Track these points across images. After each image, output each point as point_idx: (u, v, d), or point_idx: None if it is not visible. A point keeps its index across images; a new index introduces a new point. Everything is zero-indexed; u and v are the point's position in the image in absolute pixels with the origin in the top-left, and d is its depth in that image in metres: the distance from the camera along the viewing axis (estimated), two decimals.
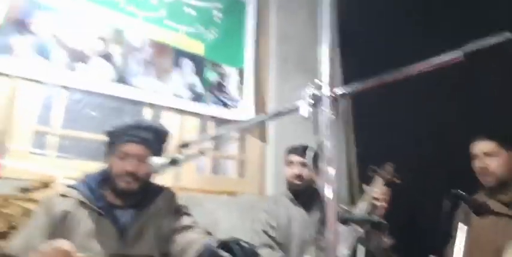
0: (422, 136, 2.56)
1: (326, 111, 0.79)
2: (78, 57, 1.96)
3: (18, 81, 1.83)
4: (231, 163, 2.54)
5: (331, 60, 0.82)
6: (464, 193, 1.26)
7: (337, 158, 0.79)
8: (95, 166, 1.70)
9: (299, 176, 1.92)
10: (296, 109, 0.84)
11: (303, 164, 1.92)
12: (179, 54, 2.31)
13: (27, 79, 1.84)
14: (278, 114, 0.93)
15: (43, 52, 1.86)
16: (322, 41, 0.84)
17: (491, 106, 2.26)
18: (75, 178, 1.57)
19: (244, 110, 2.49)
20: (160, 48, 2.23)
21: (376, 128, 2.73)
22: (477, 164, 1.72)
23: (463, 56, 0.60)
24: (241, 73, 2.57)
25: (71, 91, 1.98)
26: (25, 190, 1.51)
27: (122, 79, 2.07)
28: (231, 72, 2.54)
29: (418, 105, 2.57)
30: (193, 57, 2.37)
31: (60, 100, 1.97)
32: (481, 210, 1.29)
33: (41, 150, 1.87)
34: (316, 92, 0.80)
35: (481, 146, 1.72)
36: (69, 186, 1.39)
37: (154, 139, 1.42)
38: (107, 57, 2.04)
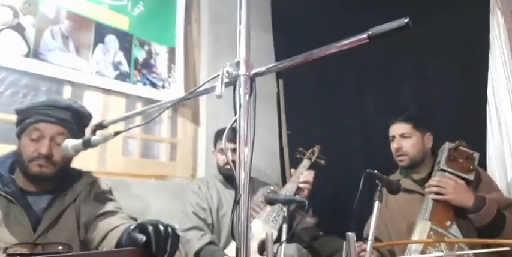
0: (349, 120, 2.68)
1: (241, 91, 0.78)
2: None
3: None
4: (161, 146, 2.47)
5: (248, 39, 0.80)
6: (378, 173, 1.33)
7: (253, 136, 0.79)
8: (5, 149, 1.55)
9: (231, 162, 1.90)
10: (210, 90, 0.81)
11: (234, 150, 1.91)
12: (101, 28, 2.15)
13: None
14: (195, 94, 0.90)
15: None
16: (240, 21, 0.81)
17: (409, 92, 2.41)
18: None
19: (174, 90, 2.41)
20: (79, 21, 2.06)
21: (306, 112, 2.81)
22: (393, 145, 1.83)
23: (367, 37, 0.62)
24: (171, 52, 2.47)
25: None
26: None
27: (35, 54, 1.89)
28: (160, 50, 2.43)
29: (345, 91, 2.68)
30: (118, 33, 2.23)
31: None
32: (394, 188, 1.38)
33: None
34: (231, 71, 0.78)
35: (397, 128, 1.83)
36: None
37: (72, 120, 1.31)
38: (17, 29, 1.84)
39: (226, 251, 1.78)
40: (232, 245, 1.77)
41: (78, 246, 1.24)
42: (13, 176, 1.26)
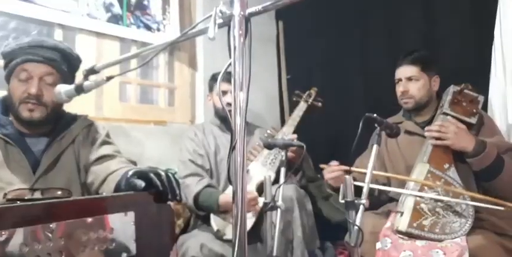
0: (351, 62, 2.61)
1: (236, 32, 0.73)
2: None
3: None
4: (159, 91, 2.44)
5: None
6: (376, 116, 1.32)
7: (248, 79, 0.76)
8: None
9: (228, 105, 1.89)
10: (204, 31, 0.77)
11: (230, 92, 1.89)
12: None
13: None
14: (188, 35, 0.85)
15: None
16: None
17: (415, 33, 2.32)
18: None
19: (169, 33, 2.31)
20: None
21: (306, 54, 2.72)
22: (399, 88, 1.79)
23: None
24: None
25: None
26: None
27: None
28: None
29: (348, 32, 2.57)
30: None
31: None
32: (392, 132, 1.37)
33: None
34: (225, 10, 0.73)
35: (404, 71, 1.77)
36: None
37: (61, 60, 1.26)
38: None
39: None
40: (231, 188, 1.82)
41: (79, 189, 1.26)
42: (10, 119, 1.25)
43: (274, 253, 1.26)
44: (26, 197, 0.89)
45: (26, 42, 1.23)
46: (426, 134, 1.61)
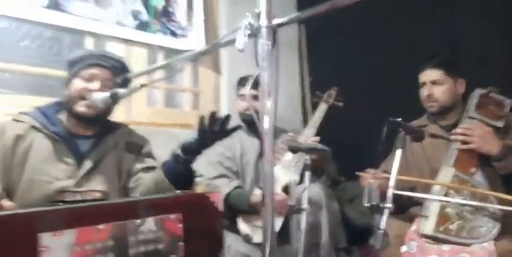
0: (374, 63, 2.60)
1: (263, 42, 0.77)
2: None
3: None
4: (184, 95, 2.50)
5: None
6: (401, 121, 1.33)
7: (276, 88, 0.79)
8: (36, 101, 1.61)
9: (252, 109, 1.92)
10: (232, 41, 0.80)
11: (255, 97, 1.91)
12: None
13: None
14: (216, 46, 0.89)
15: None
16: None
17: (440, 35, 2.29)
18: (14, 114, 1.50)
19: (194, 39, 2.37)
20: None
21: (329, 57, 2.73)
22: (424, 92, 1.78)
23: None
24: None
25: None
26: None
27: (55, 5, 1.87)
28: None
29: (371, 33, 2.57)
30: None
31: None
32: (417, 136, 1.38)
33: None
34: (253, 22, 0.76)
35: (429, 75, 1.77)
36: (21, 113, 1.33)
37: (121, 68, 1.38)
38: None
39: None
40: (256, 190, 1.85)
41: (119, 191, 1.33)
42: (60, 119, 1.34)
43: (300, 255, 1.28)
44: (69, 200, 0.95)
45: (91, 51, 1.39)
46: (452, 137, 1.60)
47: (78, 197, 1.06)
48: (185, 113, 2.45)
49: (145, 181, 1.34)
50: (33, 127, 1.28)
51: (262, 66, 0.75)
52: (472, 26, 2.15)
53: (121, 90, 1.10)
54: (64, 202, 0.97)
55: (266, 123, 0.74)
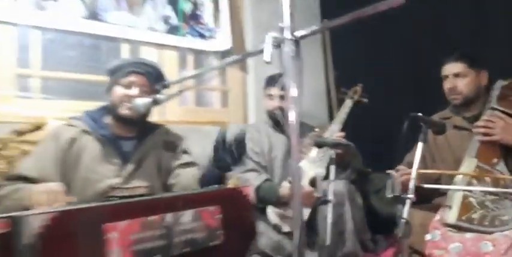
0: (398, 56, 2.63)
1: (288, 53, 0.86)
2: None
3: None
4: (213, 94, 2.62)
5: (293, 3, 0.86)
6: (422, 115, 1.39)
7: (301, 93, 0.88)
8: (80, 106, 1.77)
9: (279, 108, 2.02)
10: (260, 52, 0.90)
11: (282, 97, 2.01)
12: None
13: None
14: (245, 56, 0.99)
15: None
16: None
17: (463, 28, 2.31)
18: (64, 119, 1.66)
19: (221, 40, 2.48)
20: None
21: (353, 51, 2.78)
22: (447, 85, 1.82)
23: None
24: (215, 1, 2.50)
25: (44, 31, 1.95)
26: (19, 132, 1.59)
27: (93, 15, 2.03)
28: (205, 0, 2.47)
29: (394, 27, 2.60)
30: None
31: (35, 41, 1.95)
32: (439, 130, 1.43)
33: (25, 93, 1.91)
34: (278, 36, 0.86)
35: (451, 68, 1.81)
36: (71, 118, 1.50)
37: (156, 74, 1.51)
38: None
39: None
40: (286, 183, 1.95)
41: (160, 187, 1.47)
42: (107, 123, 1.50)
43: (327, 243, 1.38)
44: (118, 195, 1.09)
45: (127, 60, 1.52)
46: (474, 130, 1.64)
47: (126, 193, 1.20)
48: (215, 111, 2.58)
49: (183, 177, 1.47)
50: (84, 131, 1.43)
51: (287, 75, 0.84)
52: (496, 18, 2.15)
53: (161, 96, 1.23)
54: (116, 197, 1.10)
55: (293, 123, 0.84)
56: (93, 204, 0.85)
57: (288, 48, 0.86)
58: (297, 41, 0.86)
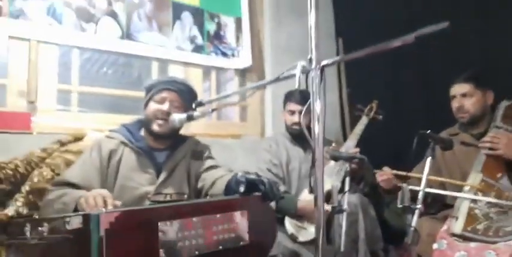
0: (409, 75, 2.77)
1: (314, 80, 1.01)
2: (86, 17, 2.08)
3: (36, 45, 1.99)
4: (233, 109, 2.79)
5: (318, 40, 1.01)
6: (431, 133, 1.52)
7: (324, 113, 1.03)
8: (114, 118, 1.93)
9: (298, 124, 2.15)
10: (289, 77, 1.06)
11: (301, 112, 2.15)
12: (177, 7, 2.42)
13: (44, 42, 2.00)
14: (275, 80, 1.14)
15: (53, 15, 1.99)
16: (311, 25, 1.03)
17: (472, 48, 2.44)
18: (102, 130, 1.84)
19: (242, 58, 2.66)
20: (159, 2, 2.34)
21: (366, 69, 2.92)
22: (455, 104, 1.96)
23: (414, 38, 0.83)
24: (238, 22, 2.69)
25: (83, 50, 2.15)
26: (62, 143, 1.76)
27: (128, 36, 2.22)
28: (227, 21, 2.65)
29: (406, 47, 2.73)
30: (191, 9, 2.48)
31: (75, 59, 2.14)
32: (446, 146, 1.56)
33: (65, 106, 2.09)
34: (305, 65, 1.02)
35: (459, 88, 1.95)
36: (110, 130, 1.66)
37: (186, 91, 1.66)
38: (113, 15, 2.16)
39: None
40: (302, 195, 2.07)
41: (189, 193, 1.61)
42: (142, 135, 1.65)
43: (342, 249, 1.50)
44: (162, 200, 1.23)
45: (161, 79, 1.67)
46: (480, 145, 1.77)
47: (160, 199, 1.33)
48: (235, 125, 2.74)
49: (207, 182, 1.60)
50: (122, 143, 1.59)
51: (314, 96, 0.99)
52: (503, 40, 2.28)
53: (196, 113, 1.39)
54: (155, 201, 1.25)
55: (317, 143, 0.98)
56: (150, 206, 1.01)
57: (314, 75, 1.01)
58: (321, 69, 1.01)
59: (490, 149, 1.72)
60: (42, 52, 2.01)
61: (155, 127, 1.59)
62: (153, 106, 1.62)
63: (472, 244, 1.53)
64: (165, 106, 1.59)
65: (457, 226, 1.59)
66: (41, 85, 2.00)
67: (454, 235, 1.58)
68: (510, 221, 1.56)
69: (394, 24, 2.63)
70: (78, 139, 1.80)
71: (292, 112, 2.20)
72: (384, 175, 1.82)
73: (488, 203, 1.60)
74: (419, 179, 1.52)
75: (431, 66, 2.65)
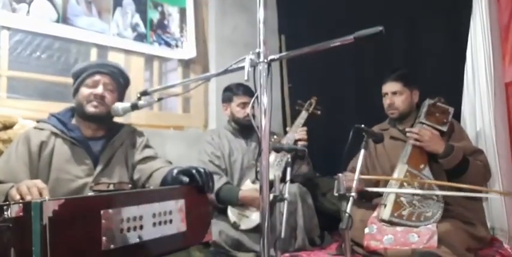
0: (346, 73, 2.93)
1: (262, 73, 1.05)
2: None
3: None
4: (175, 100, 2.75)
5: (266, 35, 1.05)
6: (364, 127, 1.64)
7: (270, 106, 1.08)
8: (47, 106, 1.83)
9: (249, 116, 2.18)
10: (237, 69, 1.09)
11: (245, 104, 2.20)
12: None
13: None
14: (224, 72, 1.16)
15: None
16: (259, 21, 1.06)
17: (399, 51, 2.65)
18: (33, 119, 1.73)
19: (186, 49, 2.63)
20: None
21: (306, 65, 3.04)
22: (386, 101, 2.12)
23: (353, 38, 0.90)
24: (182, 12, 2.65)
25: (14, 32, 2.00)
26: None
27: (64, 19, 2.10)
28: (172, 11, 2.61)
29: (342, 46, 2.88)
30: None
31: (3, 41, 1.98)
32: (377, 139, 1.70)
33: None
34: (254, 58, 1.05)
35: (390, 87, 2.10)
36: (39, 121, 1.55)
37: (119, 73, 1.60)
38: None
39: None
40: (244, 185, 2.13)
41: (129, 182, 1.56)
42: (76, 124, 1.56)
43: (282, 236, 1.57)
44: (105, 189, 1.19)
45: (91, 62, 1.58)
46: (407, 134, 1.93)
47: (105, 188, 1.29)
48: (177, 116, 2.71)
49: (145, 172, 1.56)
50: (54, 133, 1.50)
51: (262, 90, 1.03)
52: (427, 44, 2.50)
53: (141, 102, 1.36)
54: (101, 191, 1.22)
55: (264, 138, 1.02)
56: (94, 194, 0.99)
57: (262, 68, 1.05)
58: (269, 64, 1.05)
59: (416, 140, 1.88)
60: None
61: (90, 108, 1.52)
62: (85, 91, 1.53)
63: (398, 228, 1.68)
64: (99, 89, 1.52)
65: (385, 213, 1.73)
66: None
67: (382, 220, 1.73)
68: (430, 207, 1.73)
69: (334, 24, 2.76)
70: (7, 127, 1.68)
71: (244, 104, 2.23)
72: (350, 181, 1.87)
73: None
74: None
75: (365, 66, 2.82)
